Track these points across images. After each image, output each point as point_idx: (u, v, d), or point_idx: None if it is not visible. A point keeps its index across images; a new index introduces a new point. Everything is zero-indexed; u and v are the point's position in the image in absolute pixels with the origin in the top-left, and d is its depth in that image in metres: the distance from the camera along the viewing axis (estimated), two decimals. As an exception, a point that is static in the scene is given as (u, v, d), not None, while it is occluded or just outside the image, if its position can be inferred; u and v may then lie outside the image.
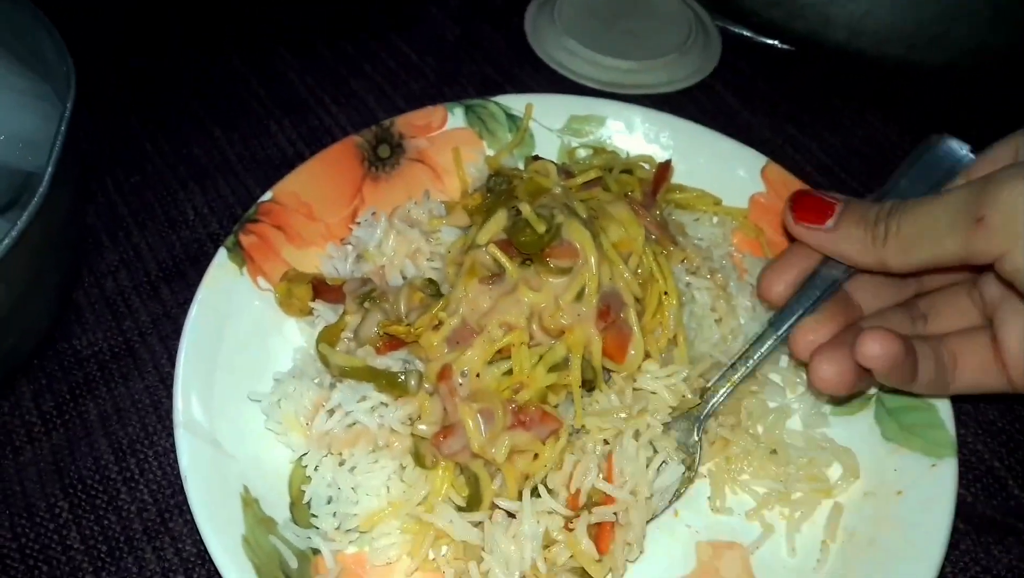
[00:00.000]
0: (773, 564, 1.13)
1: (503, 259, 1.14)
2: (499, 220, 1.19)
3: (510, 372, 1.11)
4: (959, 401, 1.21)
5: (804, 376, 1.26)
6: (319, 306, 1.24)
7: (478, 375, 1.12)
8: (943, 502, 1.09)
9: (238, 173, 1.53)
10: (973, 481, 1.24)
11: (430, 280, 1.21)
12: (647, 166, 1.40)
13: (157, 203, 1.48)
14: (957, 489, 1.10)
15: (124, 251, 1.41)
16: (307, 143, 1.57)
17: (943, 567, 1.09)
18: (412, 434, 1.11)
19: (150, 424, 1.22)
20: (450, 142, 1.44)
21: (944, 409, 1.17)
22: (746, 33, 1.82)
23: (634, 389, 1.17)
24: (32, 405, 1.23)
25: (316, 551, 1.08)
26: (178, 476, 1.04)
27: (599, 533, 1.09)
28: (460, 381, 1.11)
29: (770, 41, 1.79)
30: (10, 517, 1.12)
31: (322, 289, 1.26)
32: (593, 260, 1.14)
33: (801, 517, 1.15)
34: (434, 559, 1.10)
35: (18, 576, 1.08)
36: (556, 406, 1.14)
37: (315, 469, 1.12)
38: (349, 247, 1.33)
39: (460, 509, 1.10)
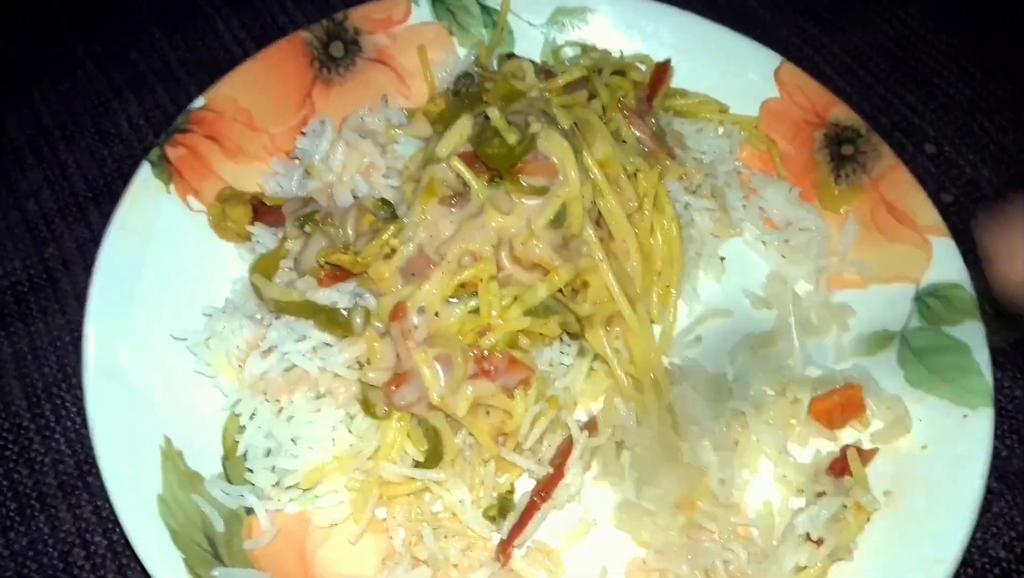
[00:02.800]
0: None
1: (467, 175, 0.97)
2: (463, 128, 1.01)
3: (476, 312, 0.96)
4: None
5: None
6: (259, 230, 1.08)
7: (437, 314, 0.96)
8: (976, 459, 0.94)
9: (180, 79, 1.35)
10: (1009, 432, 1.08)
11: (384, 200, 1.05)
12: (643, 67, 1.22)
13: (87, 114, 1.31)
14: (992, 444, 0.94)
15: (49, 168, 1.25)
16: (259, 45, 1.37)
17: (973, 533, 0.95)
18: (360, 380, 0.96)
19: (69, 365, 1.08)
20: (415, 39, 1.25)
21: (979, 350, 1.01)
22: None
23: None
24: (-63, 341, 1.09)
25: (249, 511, 0.94)
26: (90, 425, 0.91)
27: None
28: (416, 322, 0.95)
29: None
30: (-98, 469, 1.00)
31: (263, 211, 1.10)
32: (573, 176, 0.97)
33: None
34: (384, 520, 0.96)
35: (-91, 538, 0.96)
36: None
37: (250, 418, 0.98)
38: (296, 162, 1.16)
39: (417, 465, 0.96)
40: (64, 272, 1.16)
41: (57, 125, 1.30)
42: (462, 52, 1.28)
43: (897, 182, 1.15)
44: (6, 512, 0.98)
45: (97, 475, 0.99)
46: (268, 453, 0.97)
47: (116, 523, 0.97)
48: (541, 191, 0.99)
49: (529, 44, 1.28)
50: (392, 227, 0.98)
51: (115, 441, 0.91)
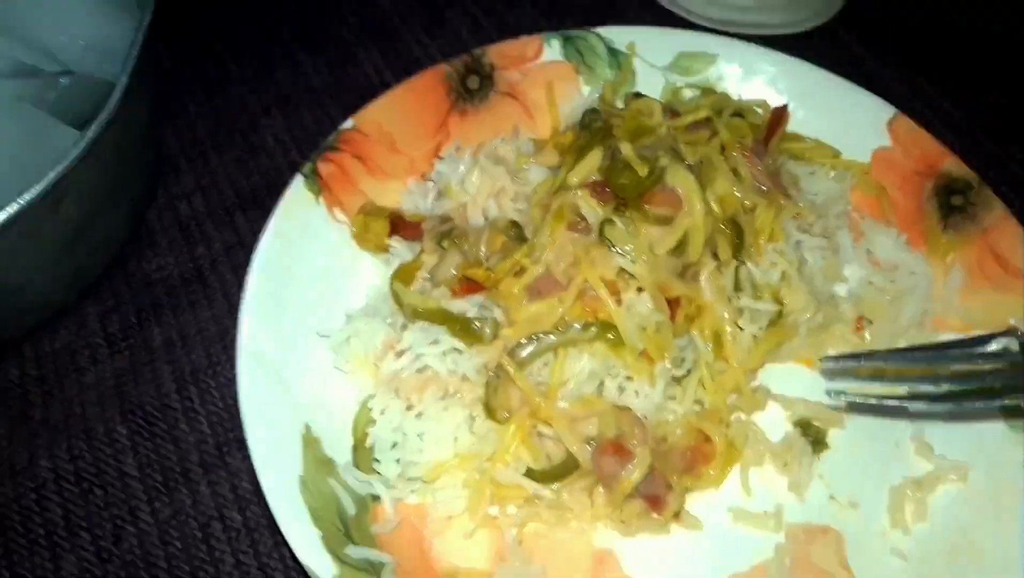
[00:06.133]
0: (872, 557, 1.02)
1: (587, 205, 1.04)
2: (594, 159, 1.09)
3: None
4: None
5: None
6: (396, 243, 1.17)
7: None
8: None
9: (322, 101, 1.46)
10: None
11: (514, 222, 1.12)
12: (760, 111, 1.27)
13: (237, 128, 1.43)
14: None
15: (201, 175, 1.37)
16: (395, 73, 1.49)
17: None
18: (486, 384, 1.02)
19: (214, 354, 1.17)
20: (544, 76, 1.33)
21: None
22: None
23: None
24: (98, 326, 1.20)
25: (376, 498, 1.01)
26: (239, 410, 0.98)
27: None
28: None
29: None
30: (68, 439, 1.09)
31: (400, 225, 1.18)
32: (699, 209, 1.04)
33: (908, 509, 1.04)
34: (496, 518, 1.02)
35: (72, 498, 1.05)
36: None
37: (381, 413, 1.05)
38: (431, 183, 1.24)
39: (530, 473, 1.02)
40: (211, 270, 1.26)
41: (209, 136, 1.41)
42: (586, 90, 1.35)
43: (1006, 233, 1.17)
44: (152, 483, 1.07)
45: (235, 456, 1.09)
46: (394, 446, 1.04)
47: (251, 501, 1.06)
48: (665, 220, 1.05)
49: (651, 86, 1.35)
50: (524, 247, 1.06)
51: (263, 423, 0.98)
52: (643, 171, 1.04)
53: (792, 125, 1.28)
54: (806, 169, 1.27)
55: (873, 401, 1.01)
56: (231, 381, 1.12)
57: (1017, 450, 1.03)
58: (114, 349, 1.17)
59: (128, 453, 1.09)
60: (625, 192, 1.05)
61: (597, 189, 1.07)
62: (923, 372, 1.00)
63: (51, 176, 0.94)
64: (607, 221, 1.03)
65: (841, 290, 1.21)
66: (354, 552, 0.93)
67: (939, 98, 1.49)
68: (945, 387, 0.98)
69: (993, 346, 0.97)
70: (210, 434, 1.11)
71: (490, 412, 1.02)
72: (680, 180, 1.05)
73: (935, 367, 0.99)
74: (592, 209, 1.05)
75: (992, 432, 1.06)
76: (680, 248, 1.05)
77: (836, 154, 1.29)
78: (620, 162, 1.06)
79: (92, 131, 0.98)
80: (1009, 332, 0.97)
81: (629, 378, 1.04)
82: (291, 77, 1.49)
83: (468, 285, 1.08)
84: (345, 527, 0.96)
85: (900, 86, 1.49)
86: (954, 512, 1.03)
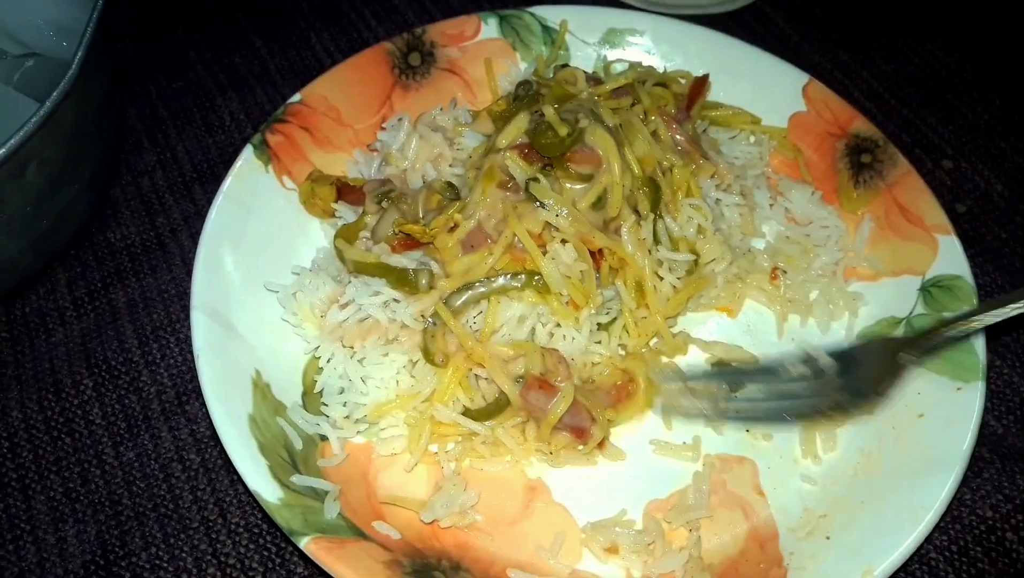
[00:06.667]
0: (784, 482, 1.11)
1: (514, 165, 1.13)
2: (520, 123, 1.17)
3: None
4: (997, 331, 1.16)
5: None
6: (341, 208, 1.25)
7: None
8: (964, 423, 1.05)
9: (276, 82, 1.55)
10: (1005, 413, 1.18)
11: (449, 184, 1.21)
12: (683, 81, 1.36)
13: (196, 108, 1.51)
14: (981, 414, 1.05)
15: (162, 152, 1.45)
16: (345, 55, 1.56)
17: (963, 493, 1.07)
18: (424, 330, 1.11)
19: (174, 312, 1.26)
20: (482, 53, 1.43)
21: (976, 334, 1.12)
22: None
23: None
24: (66, 291, 1.27)
25: (324, 438, 1.09)
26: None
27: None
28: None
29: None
30: (38, 392, 1.17)
31: (345, 190, 1.26)
32: (616, 167, 1.12)
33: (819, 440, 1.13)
34: (436, 454, 1.11)
35: (42, 445, 1.13)
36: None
37: (328, 361, 1.13)
38: (376, 153, 1.33)
39: (467, 412, 1.10)
40: (171, 238, 1.34)
41: (170, 116, 1.50)
42: (523, 65, 1.44)
43: (910, 187, 1.28)
44: (117, 430, 1.15)
45: (194, 404, 1.17)
46: (341, 392, 1.12)
47: (208, 444, 1.14)
48: (586, 178, 1.14)
49: (583, 60, 1.44)
50: (457, 204, 1.14)
51: (214, 367, 1.06)
52: (564, 131, 1.13)
53: (713, 96, 1.37)
54: (727, 134, 1.37)
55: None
56: (189, 338, 1.21)
57: (914, 381, 1.12)
58: (81, 311, 1.25)
59: (94, 403, 1.17)
60: (548, 151, 1.13)
61: (524, 150, 1.15)
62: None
63: (12, 142, 1.02)
64: (533, 179, 1.12)
65: (759, 244, 1.31)
66: (299, 480, 1.01)
67: (858, 68, 1.59)
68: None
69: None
70: (170, 385, 1.19)
71: (428, 356, 1.11)
72: (598, 140, 1.14)
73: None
74: (520, 168, 1.13)
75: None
76: (601, 203, 1.14)
77: (756, 120, 1.38)
78: (544, 124, 1.15)
79: (51, 101, 1.06)
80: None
81: (558, 325, 1.13)
82: (247, 60, 1.58)
83: (406, 242, 1.16)
84: (292, 460, 1.04)
85: (822, 59, 1.59)
86: (859, 440, 1.12)
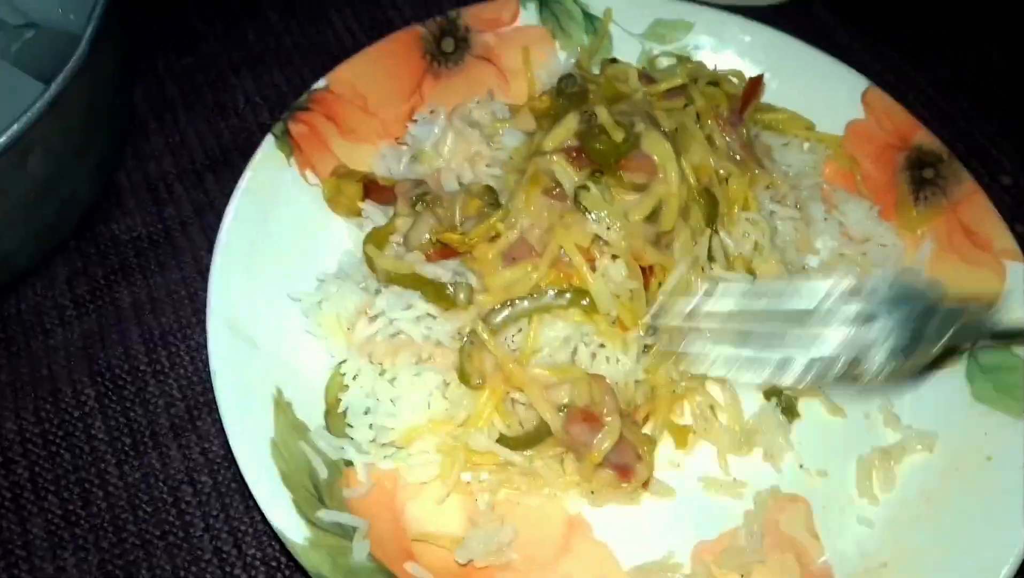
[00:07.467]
0: (840, 525, 1.04)
1: (562, 172, 1.04)
2: (569, 124, 1.08)
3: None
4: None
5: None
6: (369, 207, 1.15)
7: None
8: (1041, 470, 0.98)
9: (293, 61, 1.44)
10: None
11: (489, 188, 1.11)
12: (736, 80, 1.27)
13: (207, 87, 1.40)
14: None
15: (170, 135, 1.34)
16: (368, 34, 1.47)
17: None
18: (460, 349, 1.02)
19: (184, 317, 1.16)
20: (520, 40, 1.32)
21: (1046, 373, 1.05)
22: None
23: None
24: (66, 288, 1.18)
25: (348, 463, 1.01)
26: (209, 373, 0.97)
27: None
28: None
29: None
30: (35, 400, 1.08)
31: (373, 189, 1.17)
32: (674, 176, 1.04)
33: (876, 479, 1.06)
34: (468, 483, 1.03)
35: (39, 461, 1.04)
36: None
37: (354, 378, 1.04)
38: (404, 147, 1.23)
39: (503, 440, 1.02)
40: (181, 232, 1.24)
41: (179, 96, 1.39)
42: (562, 56, 1.35)
43: (975, 207, 1.19)
44: (121, 446, 1.06)
45: (206, 419, 1.08)
46: (367, 412, 1.03)
47: (221, 465, 1.05)
48: (640, 187, 1.05)
49: (627, 52, 1.34)
50: (499, 212, 1.05)
51: (234, 387, 0.97)
52: (619, 137, 1.04)
53: (766, 96, 1.28)
54: (780, 140, 1.28)
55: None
56: (202, 345, 1.11)
57: (980, 420, 1.05)
58: (82, 311, 1.15)
59: (96, 415, 1.07)
60: (601, 158, 1.04)
61: (573, 155, 1.06)
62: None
63: (15, 129, 0.91)
64: (582, 187, 1.03)
65: (813, 262, 1.23)
66: (326, 515, 0.93)
67: (911, 71, 1.50)
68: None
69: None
70: (180, 397, 1.10)
71: (464, 378, 1.02)
72: (656, 147, 1.05)
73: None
74: (567, 175, 1.04)
75: (958, 402, 1.08)
76: (654, 216, 1.05)
77: (810, 126, 1.29)
78: (596, 127, 1.06)
79: (58, 83, 0.96)
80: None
81: (602, 345, 1.05)
82: (262, 36, 1.47)
83: (442, 250, 1.07)
84: (317, 491, 0.96)
85: (872, 59, 1.50)
86: (920, 481, 1.05)
